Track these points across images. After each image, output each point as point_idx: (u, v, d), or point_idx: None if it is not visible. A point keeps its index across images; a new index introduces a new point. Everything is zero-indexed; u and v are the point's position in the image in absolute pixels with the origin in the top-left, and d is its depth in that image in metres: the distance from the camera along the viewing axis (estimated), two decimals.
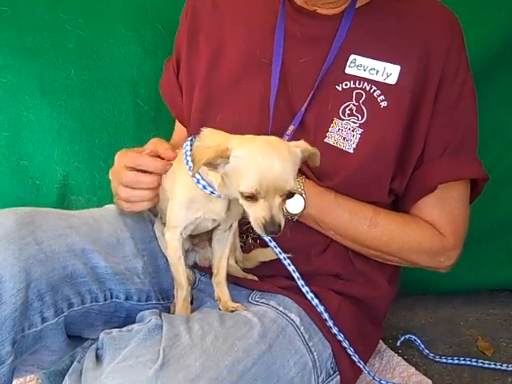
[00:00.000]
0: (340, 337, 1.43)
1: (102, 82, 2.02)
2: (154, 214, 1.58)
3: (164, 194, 1.41)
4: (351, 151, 1.43)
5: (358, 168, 1.42)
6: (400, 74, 1.43)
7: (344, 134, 1.44)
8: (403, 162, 1.46)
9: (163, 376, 1.09)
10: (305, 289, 1.42)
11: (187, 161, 1.28)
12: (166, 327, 1.23)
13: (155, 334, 1.22)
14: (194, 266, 1.56)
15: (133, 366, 1.13)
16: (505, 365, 1.81)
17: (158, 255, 1.53)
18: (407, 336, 1.95)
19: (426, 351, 1.89)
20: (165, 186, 1.40)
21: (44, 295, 1.29)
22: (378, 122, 1.43)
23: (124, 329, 1.27)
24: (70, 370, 1.33)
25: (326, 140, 1.44)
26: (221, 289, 1.41)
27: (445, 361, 1.85)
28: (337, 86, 1.46)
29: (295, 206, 1.42)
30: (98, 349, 1.27)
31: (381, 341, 1.86)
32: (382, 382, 1.52)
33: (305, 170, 1.43)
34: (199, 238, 1.49)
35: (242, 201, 1.19)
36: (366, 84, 1.44)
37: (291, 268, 1.42)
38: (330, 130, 1.44)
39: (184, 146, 1.32)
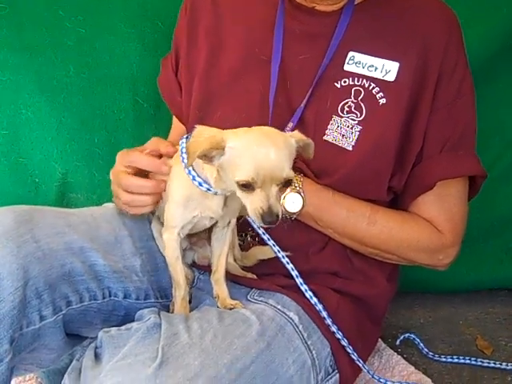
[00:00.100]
0: (339, 335, 1.43)
1: (102, 80, 2.01)
2: (151, 212, 1.57)
3: (164, 195, 1.41)
4: (350, 148, 1.43)
5: (357, 165, 1.42)
6: (399, 70, 1.43)
7: (343, 131, 1.44)
8: (402, 159, 1.46)
9: (162, 374, 1.09)
10: (303, 287, 1.42)
11: (183, 158, 1.28)
12: (164, 326, 1.22)
13: (154, 332, 1.21)
14: (192, 265, 1.56)
15: (132, 364, 1.13)
16: (504, 363, 1.81)
17: (156, 253, 1.52)
18: (406, 335, 1.94)
19: (426, 350, 1.88)
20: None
21: (42, 293, 1.28)
22: (377, 119, 1.43)
23: (123, 327, 1.27)
24: (69, 369, 1.33)
25: (325, 137, 1.44)
26: (219, 286, 1.41)
27: (444, 360, 1.85)
28: (335, 83, 1.46)
29: (294, 204, 1.41)
30: (96, 347, 1.27)
31: (380, 340, 1.86)
32: (381, 380, 1.52)
33: (303, 167, 1.43)
34: (197, 237, 1.48)
35: (238, 193, 1.18)
36: (364, 81, 1.44)
37: (290, 266, 1.42)
38: (328, 127, 1.44)
39: (180, 143, 1.32)
